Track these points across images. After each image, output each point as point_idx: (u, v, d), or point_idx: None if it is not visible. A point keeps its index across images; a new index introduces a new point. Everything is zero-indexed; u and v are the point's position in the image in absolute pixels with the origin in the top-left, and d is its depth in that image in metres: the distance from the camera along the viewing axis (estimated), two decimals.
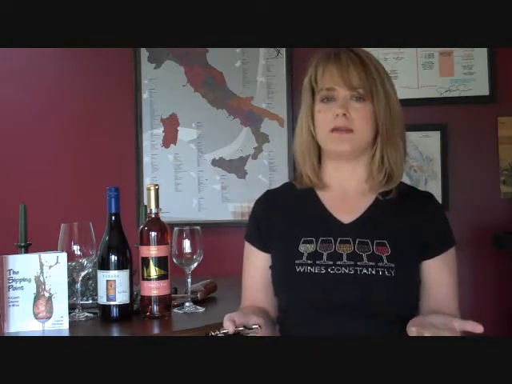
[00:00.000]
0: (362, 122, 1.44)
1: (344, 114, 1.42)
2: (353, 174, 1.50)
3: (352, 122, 1.43)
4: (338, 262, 1.39)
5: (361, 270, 1.38)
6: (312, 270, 1.40)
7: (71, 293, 1.74)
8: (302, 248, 1.43)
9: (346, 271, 1.38)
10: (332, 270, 1.39)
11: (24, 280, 1.61)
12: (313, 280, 1.39)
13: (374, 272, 1.37)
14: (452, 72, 2.93)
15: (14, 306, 1.60)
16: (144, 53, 3.12)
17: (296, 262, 1.42)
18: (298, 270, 1.41)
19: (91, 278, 1.87)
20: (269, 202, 1.57)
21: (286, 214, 1.52)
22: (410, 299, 1.44)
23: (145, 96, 3.12)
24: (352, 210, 1.48)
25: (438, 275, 1.45)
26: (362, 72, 1.44)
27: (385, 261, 1.38)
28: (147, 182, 3.06)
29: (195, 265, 1.79)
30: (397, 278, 1.37)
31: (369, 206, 1.48)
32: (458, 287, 1.49)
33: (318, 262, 1.41)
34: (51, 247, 1.71)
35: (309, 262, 1.41)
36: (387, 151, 1.46)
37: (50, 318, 1.62)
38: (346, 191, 1.51)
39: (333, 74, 1.44)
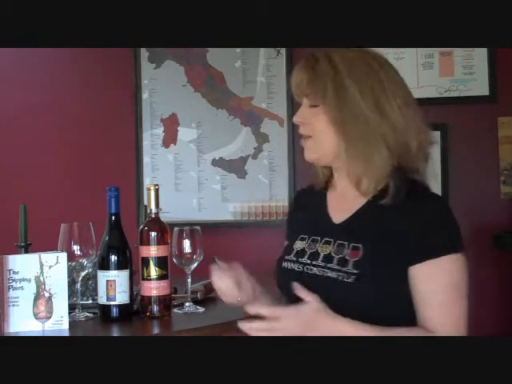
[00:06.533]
0: (319, 127, 1.40)
1: (301, 123, 1.42)
2: (344, 177, 1.46)
3: (310, 129, 1.41)
4: (314, 262, 1.41)
5: (326, 273, 1.37)
6: (293, 267, 1.44)
7: (71, 293, 1.74)
8: (296, 245, 1.47)
9: (317, 272, 1.39)
10: (307, 269, 1.41)
11: (24, 280, 1.61)
12: (290, 277, 1.41)
13: (335, 276, 1.35)
14: (452, 72, 2.93)
15: (13, 306, 1.60)
16: (144, 53, 3.12)
17: (286, 257, 1.47)
18: (283, 265, 1.46)
19: (91, 278, 1.87)
20: (297, 202, 1.64)
21: (301, 212, 1.56)
22: (377, 307, 1.33)
23: (145, 96, 3.12)
24: (346, 210, 1.46)
25: (424, 284, 1.32)
26: (312, 75, 1.38)
27: (349, 266, 1.34)
28: (147, 182, 3.06)
29: (195, 265, 1.79)
30: (356, 284, 1.32)
31: (358, 209, 1.43)
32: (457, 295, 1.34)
33: (300, 259, 1.44)
34: (51, 247, 1.71)
35: (294, 258, 1.45)
36: (351, 158, 1.39)
37: (49, 317, 1.62)
38: (346, 192, 1.50)
39: (292, 84, 1.44)
